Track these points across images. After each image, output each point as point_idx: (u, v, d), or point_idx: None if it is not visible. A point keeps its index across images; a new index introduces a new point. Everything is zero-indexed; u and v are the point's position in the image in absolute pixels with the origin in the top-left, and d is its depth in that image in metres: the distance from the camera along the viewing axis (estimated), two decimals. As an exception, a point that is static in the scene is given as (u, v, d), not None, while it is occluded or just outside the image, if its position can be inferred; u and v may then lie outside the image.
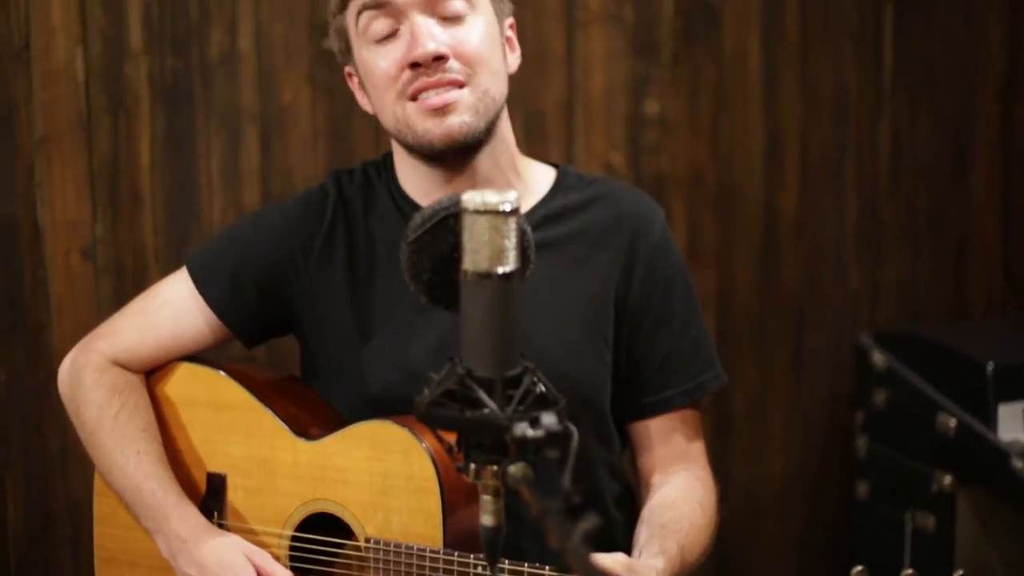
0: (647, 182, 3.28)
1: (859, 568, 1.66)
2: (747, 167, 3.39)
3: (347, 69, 2.20)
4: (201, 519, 2.10)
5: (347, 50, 2.15)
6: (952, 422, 3.02)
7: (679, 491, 2.15)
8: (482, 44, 2.06)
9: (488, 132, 2.08)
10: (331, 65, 3.01)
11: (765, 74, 3.37)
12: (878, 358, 3.28)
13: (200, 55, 3.00)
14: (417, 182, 2.16)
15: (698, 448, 2.24)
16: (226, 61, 3.01)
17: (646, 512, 2.14)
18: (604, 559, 1.87)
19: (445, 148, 2.05)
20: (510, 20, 2.19)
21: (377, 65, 2.07)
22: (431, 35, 2.03)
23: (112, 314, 2.32)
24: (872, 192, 3.48)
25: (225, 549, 2.05)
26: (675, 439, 2.21)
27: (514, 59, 2.19)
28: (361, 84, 2.17)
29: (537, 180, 2.22)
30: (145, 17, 2.95)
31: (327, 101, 3.06)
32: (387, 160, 2.23)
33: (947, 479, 3.02)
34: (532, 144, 3.08)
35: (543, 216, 2.16)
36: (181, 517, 2.08)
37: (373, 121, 2.09)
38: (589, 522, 1.27)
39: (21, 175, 2.92)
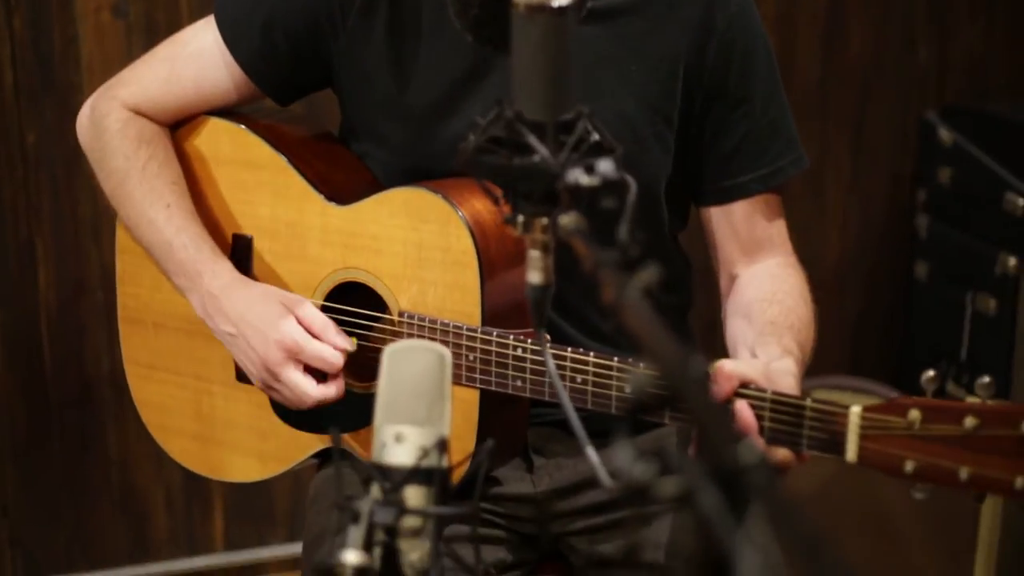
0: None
1: (931, 374, 1.57)
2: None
3: None
4: (235, 274, 1.99)
5: None
6: (1020, 201, 2.98)
7: (775, 283, 2.00)
8: None
9: None
10: None
11: None
12: (945, 135, 3.21)
13: None
14: None
15: (782, 234, 2.10)
16: None
17: (742, 307, 1.98)
18: (738, 365, 1.71)
19: None
20: None
21: None
22: None
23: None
24: (945, -40, 3.37)
25: (260, 300, 1.95)
26: (756, 226, 2.07)
27: None
28: None
29: None
30: None
31: None
32: None
33: (1011, 261, 2.97)
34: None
35: None
36: (214, 273, 1.98)
37: None
38: (648, 274, 1.15)
39: (49, -75, 2.84)
